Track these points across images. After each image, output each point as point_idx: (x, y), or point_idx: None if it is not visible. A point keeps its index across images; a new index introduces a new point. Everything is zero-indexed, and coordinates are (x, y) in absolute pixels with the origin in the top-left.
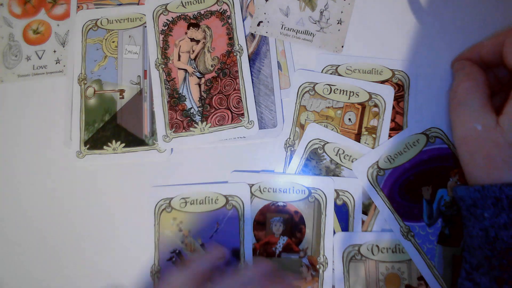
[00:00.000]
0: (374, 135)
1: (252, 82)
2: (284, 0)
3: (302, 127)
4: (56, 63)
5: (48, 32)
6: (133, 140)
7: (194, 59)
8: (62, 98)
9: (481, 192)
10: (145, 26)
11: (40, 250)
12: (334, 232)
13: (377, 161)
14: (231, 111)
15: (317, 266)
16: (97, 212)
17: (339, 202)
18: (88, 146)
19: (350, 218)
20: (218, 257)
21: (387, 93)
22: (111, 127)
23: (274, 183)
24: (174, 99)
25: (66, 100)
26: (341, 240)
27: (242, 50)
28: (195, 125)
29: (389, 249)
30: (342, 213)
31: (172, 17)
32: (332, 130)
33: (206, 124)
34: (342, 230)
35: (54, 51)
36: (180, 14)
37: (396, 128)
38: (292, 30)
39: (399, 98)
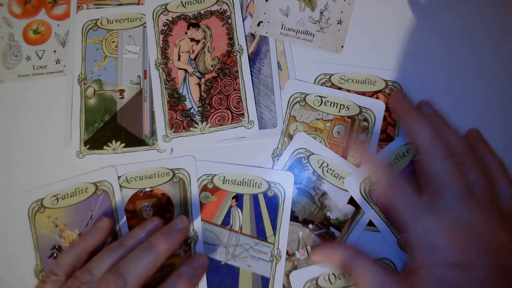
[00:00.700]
0: None
1: (252, 82)
2: (284, 0)
3: (291, 137)
4: (56, 63)
5: (48, 32)
6: (133, 140)
7: (194, 59)
8: (62, 98)
9: None
10: (145, 26)
11: None
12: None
13: (369, 176)
14: (231, 111)
15: (189, 241)
16: None
17: (270, 194)
18: (88, 146)
19: (279, 209)
20: (103, 227)
21: (378, 108)
22: (111, 127)
23: (141, 172)
24: (174, 99)
25: (66, 100)
26: (298, 278)
27: (242, 50)
28: (195, 125)
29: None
30: (272, 204)
31: (172, 17)
32: (320, 142)
33: (206, 124)
34: (271, 221)
35: (54, 51)
36: (180, 14)
37: (387, 139)
38: (292, 30)
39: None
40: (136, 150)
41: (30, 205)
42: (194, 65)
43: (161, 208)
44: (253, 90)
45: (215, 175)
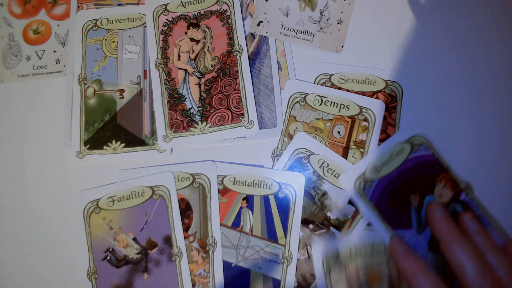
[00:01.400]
0: (362, 150)
1: (252, 82)
2: (284, 0)
3: (291, 137)
4: (56, 63)
5: (48, 32)
6: (133, 140)
7: (194, 59)
8: (62, 98)
9: None
10: (145, 26)
11: (40, 249)
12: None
13: (364, 172)
14: (231, 111)
15: (207, 248)
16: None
17: (281, 195)
18: (88, 146)
19: (290, 211)
20: None
21: (378, 108)
22: (111, 127)
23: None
24: (174, 99)
25: (66, 100)
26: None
27: (242, 50)
28: (195, 125)
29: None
30: (283, 206)
31: (172, 17)
32: (320, 142)
33: (206, 124)
34: (282, 223)
35: (54, 51)
36: (180, 14)
37: (386, 139)
38: (292, 30)
39: (391, 109)
40: (136, 150)
41: (86, 205)
42: (194, 65)
43: (180, 213)
44: (253, 90)
45: (225, 176)
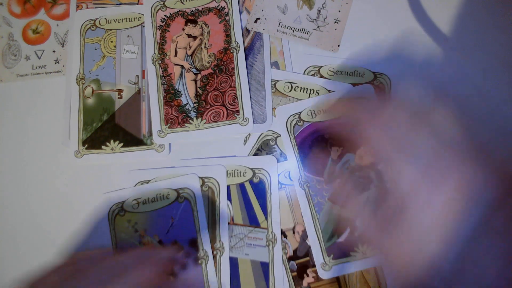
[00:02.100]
0: None
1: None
2: None
3: None
4: (55, 63)
5: (47, 32)
6: (131, 140)
7: (191, 55)
8: (61, 98)
9: None
10: (143, 26)
11: (39, 248)
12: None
13: (300, 112)
14: (226, 108)
15: (214, 252)
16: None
17: (256, 180)
18: (86, 145)
19: (267, 194)
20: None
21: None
22: (110, 126)
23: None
24: (170, 95)
25: (65, 100)
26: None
27: (239, 47)
28: (190, 121)
29: None
30: (260, 190)
31: (170, 13)
32: None
33: (201, 120)
34: (261, 207)
35: (54, 51)
36: (178, 10)
37: None
38: (289, 28)
39: None
40: (134, 149)
41: (111, 207)
42: (191, 61)
43: None
44: (249, 88)
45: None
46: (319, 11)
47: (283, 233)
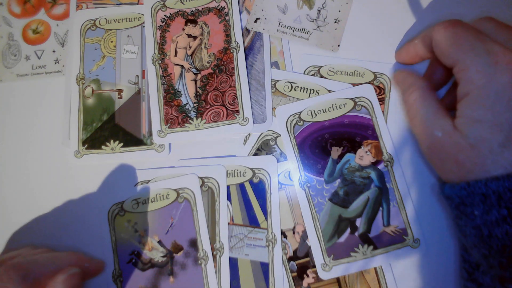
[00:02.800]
0: None
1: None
2: None
3: None
4: (55, 63)
5: (47, 32)
6: (131, 140)
7: (191, 55)
8: (60, 98)
9: (467, 190)
10: (143, 26)
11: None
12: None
13: (300, 112)
14: (226, 108)
15: (214, 253)
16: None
17: (255, 180)
18: (86, 145)
19: (267, 194)
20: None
21: (347, 93)
22: (109, 126)
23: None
24: (170, 95)
25: (65, 100)
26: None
27: (239, 47)
28: (190, 121)
29: None
30: (260, 190)
31: (170, 13)
32: None
33: (201, 120)
34: (261, 207)
35: (54, 51)
36: (178, 10)
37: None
38: (289, 27)
39: (380, 100)
40: (134, 149)
41: (110, 207)
42: (191, 61)
43: None
44: (249, 88)
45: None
46: (319, 11)
47: (283, 234)
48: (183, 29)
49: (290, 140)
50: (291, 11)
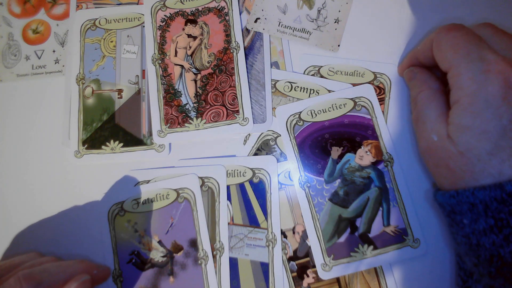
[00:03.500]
0: None
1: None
2: None
3: None
4: (55, 63)
5: (47, 32)
6: (131, 140)
7: (191, 55)
8: (61, 98)
9: (456, 198)
10: (143, 26)
11: (39, 248)
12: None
13: (300, 112)
14: (226, 108)
15: (214, 253)
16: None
17: (255, 180)
18: (86, 145)
19: (267, 194)
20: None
21: (348, 93)
22: (109, 126)
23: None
24: (170, 95)
25: (65, 100)
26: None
27: (239, 47)
28: (190, 121)
29: None
30: (260, 190)
31: (170, 13)
32: None
33: (201, 120)
34: (261, 207)
35: (54, 51)
36: (178, 10)
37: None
38: (289, 27)
39: (379, 100)
40: (134, 149)
41: (110, 207)
42: (191, 61)
43: None
44: (249, 88)
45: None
46: (319, 11)
47: (283, 234)
48: (183, 29)
49: (290, 140)
50: (291, 11)
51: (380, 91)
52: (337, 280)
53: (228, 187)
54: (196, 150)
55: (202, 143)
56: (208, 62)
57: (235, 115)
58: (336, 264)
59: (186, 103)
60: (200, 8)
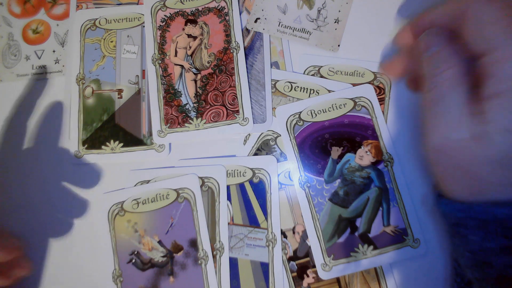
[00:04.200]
0: None
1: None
2: None
3: None
4: (55, 63)
5: (47, 32)
6: (131, 140)
7: (191, 55)
8: (61, 98)
9: (467, 213)
10: (143, 26)
11: (38, 249)
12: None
13: (300, 112)
14: (226, 108)
15: (214, 253)
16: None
17: (255, 180)
18: (86, 145)
19: (267, 194)
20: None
21: (348, 93)
22: (109, 126)
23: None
24: (170, 95)
25: (65, 100)
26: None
27: (239, 47)
28: (190, 121)
29: None
30: (260, 190)
31: (170, 13)
32: None
33: (201, 120)
34: (261, 207)
35: (54, 51)
36: (178, 10)
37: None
38: (289, 27)
39: (380, 100)
40: (134, 149)
41: (110, 207)
42: (191, 61)
43: None
44: (249, 88)
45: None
46: (319, 11)
47: (283, 234)
48: (183, 29)
49: (290, 140)
50: (291, 11)
51: (380, 91)
52: (337, 280)
53: (228, 187)
54: (196, 150)
55: (202, 143)
56: (208, 62)
57: (235, 115)
58: (336, 264)
59: (186, 103)
60: (200, 8)
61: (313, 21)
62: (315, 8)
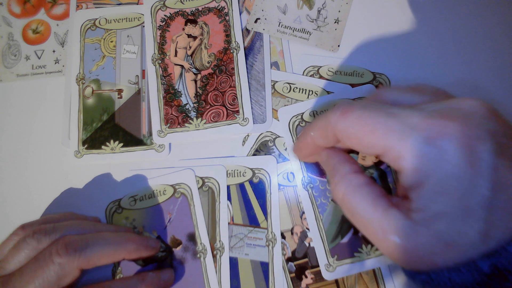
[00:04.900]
0: None
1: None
2: None
3: None
4: (55, 63)
5: (47, 32)
6: (131, 140)
7: (191, 55)
8: (61, 98)
9: (431, 284)
10: (143, 26)
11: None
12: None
13: (303, 113)
14: (226, 108)
15: (214, 252)
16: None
17: (255, 180)
18: (86, 145)
19: (267, 194)
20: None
21: (348, 94)
22: (109, 126)
23: None
24: (170, 95)
25: (65, 100)
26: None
27: (239, 47)
28: (190, 121)
29: None
30: (260, 190)
31: (170, 13)
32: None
33: (201, 120)
34: (260, 207)
35: (54, 51)
36: (178, 10)
37: None
38: (289, 28)
39: None
40: (134, 150)
41: (108, 205)
42: (191, 61)
43: None
44: (249, 88)
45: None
46: (319, 11)
47: (281, 235)
48: (183, 29)
49: (293, 141)
50: (291, 11)
51: None
52: (335, 281)
53: (228, 187)
54: (196, 150)
55: (202, 143)
56: (208, 62)
57: (235, 115)
58: (340, 265)
59: (186, 103)
60: (200, 8)
61: (313, 21)
62: (315, 8)
